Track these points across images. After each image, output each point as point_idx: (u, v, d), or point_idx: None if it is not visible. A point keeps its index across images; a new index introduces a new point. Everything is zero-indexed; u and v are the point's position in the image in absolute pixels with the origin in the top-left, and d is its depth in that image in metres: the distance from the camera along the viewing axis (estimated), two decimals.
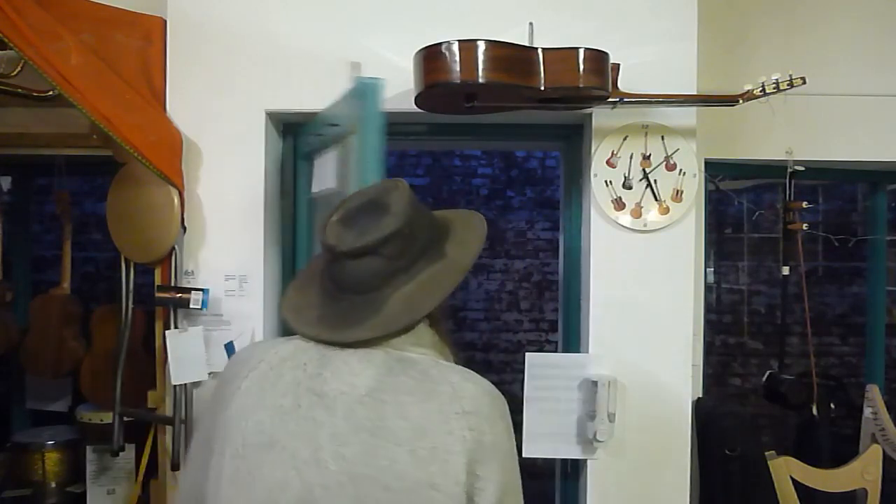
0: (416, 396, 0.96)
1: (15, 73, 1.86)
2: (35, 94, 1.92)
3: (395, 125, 2.08)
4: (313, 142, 1.94)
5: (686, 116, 1.88)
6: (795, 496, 2.08)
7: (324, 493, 0.92)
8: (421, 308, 1.02)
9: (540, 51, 1.63)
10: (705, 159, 2.11)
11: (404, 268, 1.02)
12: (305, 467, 0.94)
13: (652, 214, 1.88)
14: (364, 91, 1.52)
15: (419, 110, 1.78)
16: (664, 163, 1.88)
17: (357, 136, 1.53)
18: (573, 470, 2.03)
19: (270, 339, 1.19)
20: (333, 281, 1.05)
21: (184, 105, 1.95)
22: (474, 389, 0.99)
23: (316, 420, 0.96)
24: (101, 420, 2.23)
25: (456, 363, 1.07)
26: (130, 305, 2.01)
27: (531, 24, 1.84)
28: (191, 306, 1.86)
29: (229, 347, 1.92)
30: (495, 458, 0.96)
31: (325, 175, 1.82)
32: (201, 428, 1.09)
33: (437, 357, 1.04)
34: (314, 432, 0.95)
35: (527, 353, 1.92)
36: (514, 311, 5.22)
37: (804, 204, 2.23)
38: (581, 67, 1.63)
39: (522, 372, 1.89)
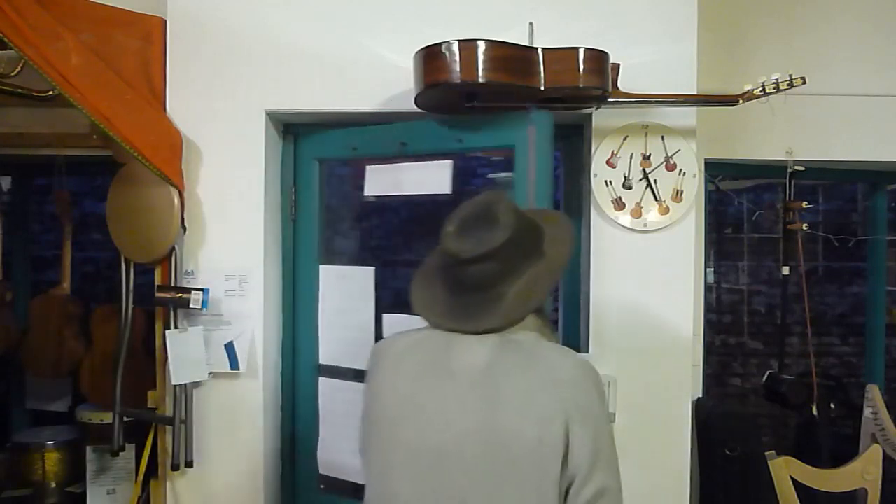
0: (522, 369, 1.15)
1: (15, 73, 1.87)
2: (35, 94, 1.93)
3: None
4: (334, 148, 2.03)
5: (686, 116, 1.88)
6: (795, 496, 2.07)
7: (451, 448, 1.12)
8: (532, 302, 1.21)
9: (540, 51, 1.63)
10: (705, 159, 2.11)
11: (515, 268, 1.20)
12: (434, 427, 1.14)
13: (652, 214, 1.88)
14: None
15: (419, 110, 1.78)
16: (664, 163, 1.88)
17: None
18: None
19: (405, 331, 1.33)
20: (456, 281, 1.24)
21: (184, 105, 1.95)
22: (567, 362, 1.18)
23: (444, 389, 1.16)
24: (101, 420, 2.23)
25: (556, 342, 1.27)
26: (130, 305, 2.01)
27: (531, 24, 1.84)
28: (191, 306, 1.86)
29: (229, 347, 1.92)
30: (587, 420, 1.11)
31: (380, 181, 2.01)
32: (363, 413, 1.28)
33: (540, 338, 1.22)
34: (443, 399, 1.16)
35: None
36: None
37: (804, 204, 2.23)
38: (581, 67, 1.63)
39: None
